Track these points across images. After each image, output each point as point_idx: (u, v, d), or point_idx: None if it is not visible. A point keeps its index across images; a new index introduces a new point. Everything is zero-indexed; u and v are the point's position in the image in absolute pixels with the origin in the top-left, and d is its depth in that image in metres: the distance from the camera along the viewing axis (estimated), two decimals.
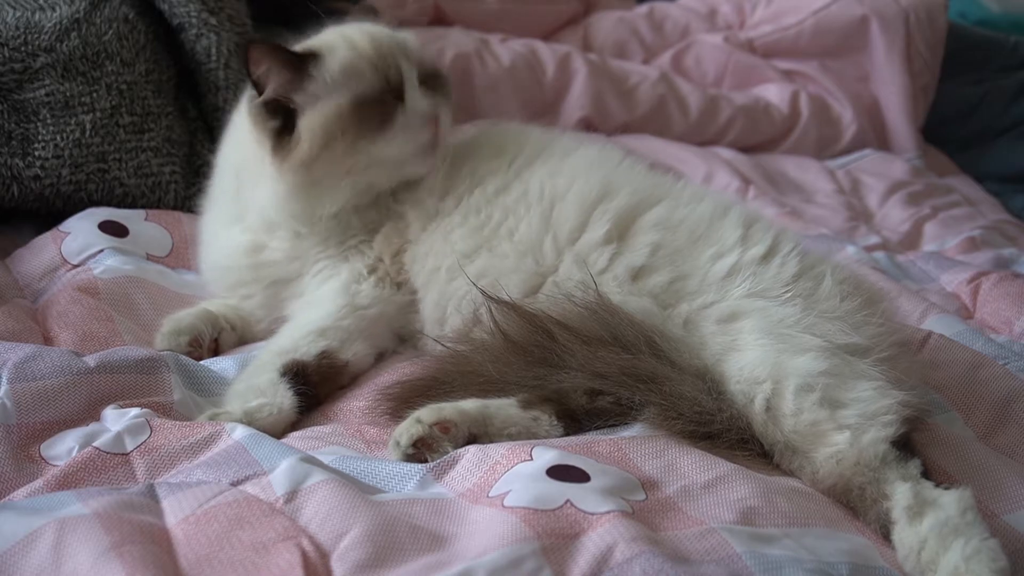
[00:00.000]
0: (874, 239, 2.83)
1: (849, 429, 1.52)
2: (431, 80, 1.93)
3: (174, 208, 2.38)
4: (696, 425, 1.57)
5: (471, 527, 1.36)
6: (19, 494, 1.47)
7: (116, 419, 1.61)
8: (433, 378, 1.68)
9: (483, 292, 1.75)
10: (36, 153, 2.29)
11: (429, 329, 1.88)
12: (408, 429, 1.57)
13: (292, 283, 1.96)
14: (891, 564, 1.41)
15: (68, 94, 2.34)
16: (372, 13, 2.09)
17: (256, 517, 1.36)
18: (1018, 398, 1.80)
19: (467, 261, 1.85)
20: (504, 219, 1.87)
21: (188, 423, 1.64)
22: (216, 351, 1.94)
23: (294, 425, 1.73)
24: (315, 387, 1.77)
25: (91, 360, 1.69)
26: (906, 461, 1.50)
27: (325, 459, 1.53)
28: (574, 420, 1.62)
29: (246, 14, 2.65)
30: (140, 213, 2.24)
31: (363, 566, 1.29)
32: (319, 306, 1.88)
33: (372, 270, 1.92)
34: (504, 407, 1.61)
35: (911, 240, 2.93)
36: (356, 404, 1.77)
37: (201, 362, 1.85)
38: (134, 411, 1.62)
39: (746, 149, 3.35)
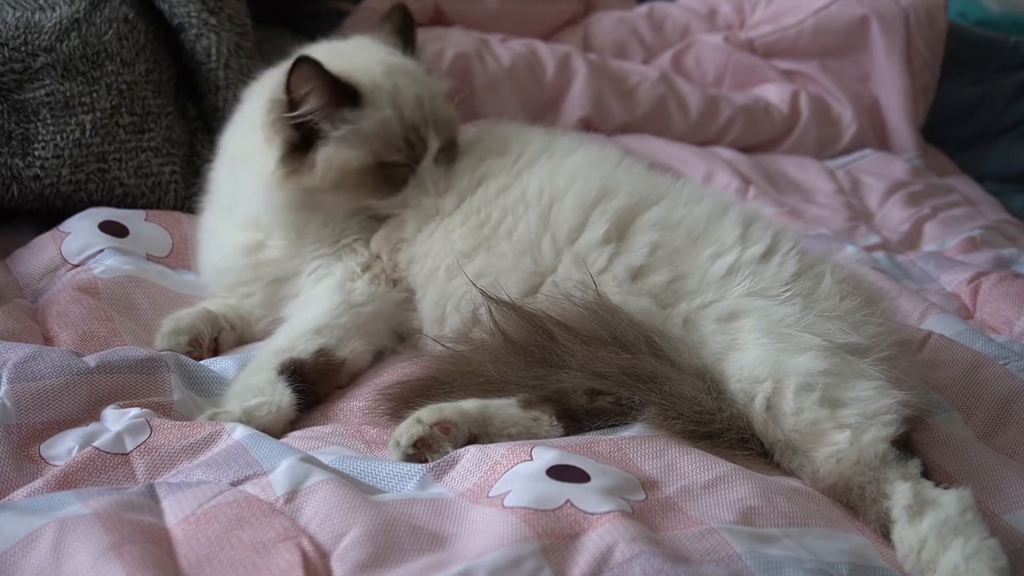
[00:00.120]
0: (874, 239, 2.83)
1: (849, 428, 1.52)
2: (446, 148, 1.96)
3: (174, 208, 2.38)
4: (696, 425, 1.57)
5: (471, 527, 1.36)
6: (19, 494, 1.47)
7: (116, 419, 1.61)
8: (433, 378, 1.69)
9: (482, 292, 1.75)
10: (36, 153, 2.29)
11: (428, 329, 1.88)
12: (408, 429, 1.57)
13: (291, 281, 1.96)
14: (891, 564, 1.41)
15: (68, 94, 2.34)
16: (406, 26, 2.08)
17: (256, 517, 1.36)
18: (1018, 398, 1.80)
19: (466, 261, 1.85)
20: (503, 218, 1.87)
21: (188, 423, 1.64)
22: (216, 351, 1.94)
23: (294, 425, 1.73)
24: (313, 385, 1.77)
25: (91, 360, 1.69)
26: (906, 461, 1.51)
27: (325, 459, 1.53)
28: (574, 420, 1.62)
29: (246, 14, 2.65)
30: (140, 213, 2.24)
31: (363, 566, 1.29)
32: (315, 305, 1.88)
33: (366, 268, 1.92)
34: (504, 407, 1.61)
35: (911, 240, 2.93)
36: (356, 404, 1.77)
37: (201, 362, 1.86)
38: (134, 411, 1.62)
39: (746, 149, 3.34)
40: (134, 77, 2.43)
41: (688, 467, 1.51)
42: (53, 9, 2.38)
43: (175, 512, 1.38)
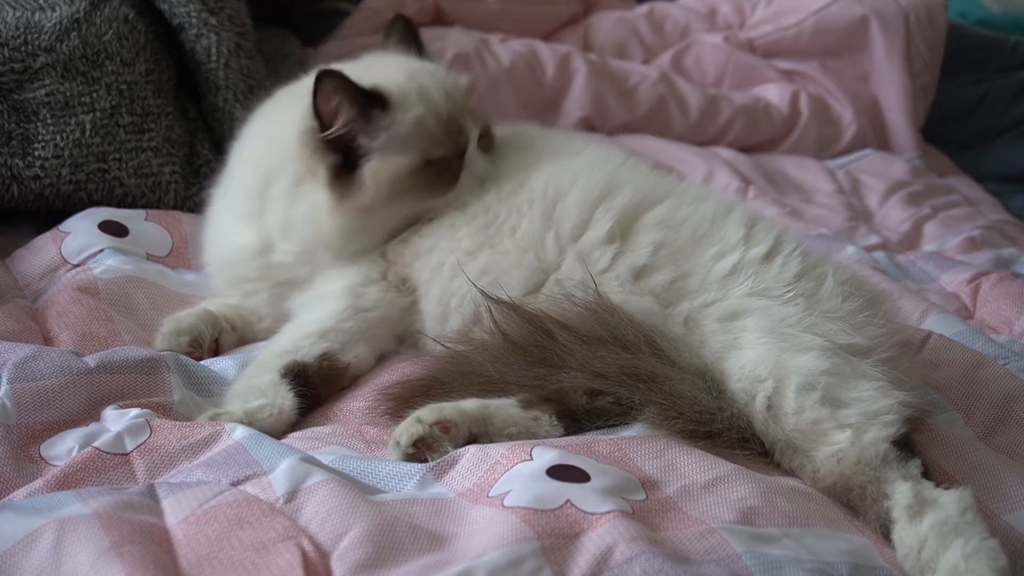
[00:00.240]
0: (874, 239, 2.83)
1: (850, 428, 1.52)
2: (484, 136, 1.96)
3: (174, 208, 2.38)
4: (696, 424, 1.57)
5: (471, 527, 1.36)
6: (19, 494, 1.47)
7: (116, 419, 1.61)
8: (433, 378, 1.68)
9: (482, 292, 1.75)
10: (36, 153, 2.29)
11: (430, 328, 1.88)
12: (408, 429, 1.57)
13: (299, 285, 1.95)
14: (891, 564, 1.41)
15: (68, 94, 2.33)
16: (410, 34, 2.08)
17: (256, 517, 1.36)
18: (1018, 398, 1.80)
19: (470, 259, 1.85)
20: (508, 216, 1.87)
21: (188, 423, 1.64)
22: (216, 351, 1.94)
23: (294, 425, 1.72)
24: (316, 389, 1.77)
25: (91, 360, 1.69)
26: (906, 461, 1.51)
27: (325, 459, 1.53)
28: (574, 420, 1.62)
29: (246, 14, 2.65)
30: (140, 213, 2.24)
31: (363, 566, 1.29)
32: (322, 307, 1.88)
33: (383, 275, 1.92)
34: (504, 407, 1.61)
35: (911, 240, 2.93)
36: (356, 404, 1.77)
37: (201, 362, 1.85)
38: (134, 411, 1.62)
39: (746, 149, 3.35)
40: (134, 77, 2.43)
41: (688, 467, 1.51)
42: (53, 9, 2.38)
43: (175, 512, 1.38)
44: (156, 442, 1.57)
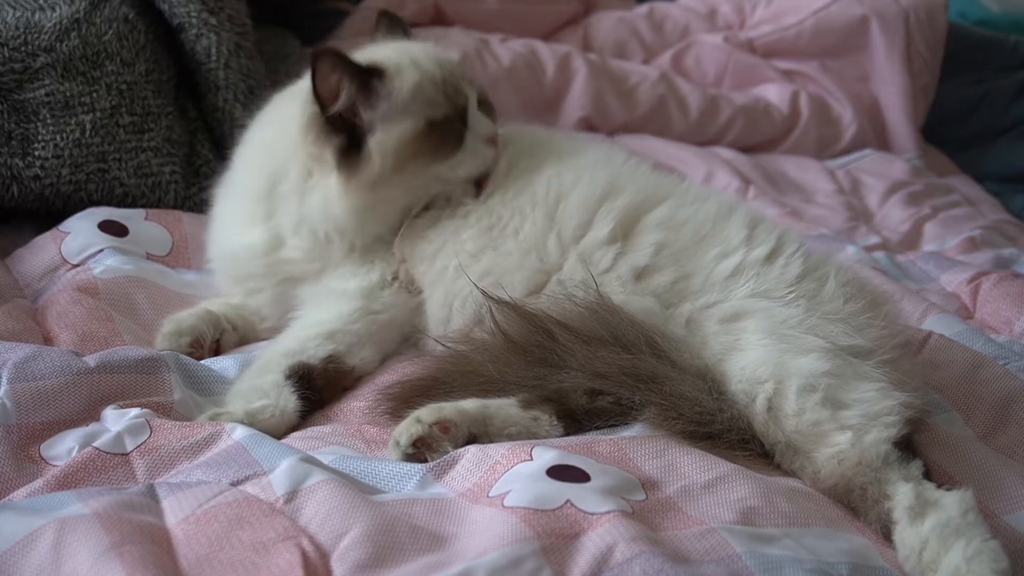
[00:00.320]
0: (874, 239, 2.83)
1: (851, 429, 1.52)
2: (483, 103, 1.96)
3: (174, 208, 2.38)
4: (696, 425, 1.57)
5: (471, 527, 1.36)
6: (19, 494, 1.47)
7: (116, 419, 1.61)
8: (433, 378, 1.68)
9: (484, 292, 1.75)
10: (36, 153, 2.29)
11: (433, 328, 1.88)
12: (408, 429, 1.57)
13: (305, 283, 1.94)
14: (891, 564, 1.41)
15: (68, 94, 2.33)
16: (397, 26, 2.09)
17: (256, 517, 1.36)
18: (1018, 398, 1.80)
19: (473, 260, 1.84)
20: (511, 218, 1.87)
21: (188, 423, 1.64)
22: (217, 352, 1.93)
23: (294, 426, 1.72)
24: (320, 391, 1.76)
25: (91, 360, 1.69)
26: (908, 462, 1.50)
27: (325, 459, 1.53)
28: (574, 420, 1.62)
29: (246, 14, 2.65)
30: (140, 213, 2.24)
31: (363, 566, 1.29)
32: (331, 307, 1.86)
33: (395, 276, 1.91)
34: (504, 407, 1.61)
35: (911, 240, 2.93)
36: (356, 404, 1.77)
37: (201, 361, 1.85)
38: (134, 411, 1.62)
39: (746, 149, 3.35)
40: (134, 77, 2.43)
41: (688, 467, 1.51)
42: (53, 9, 2.38)
43: (175, 512, 1.38)
44: (156, 442, 1.57)
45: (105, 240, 2.11)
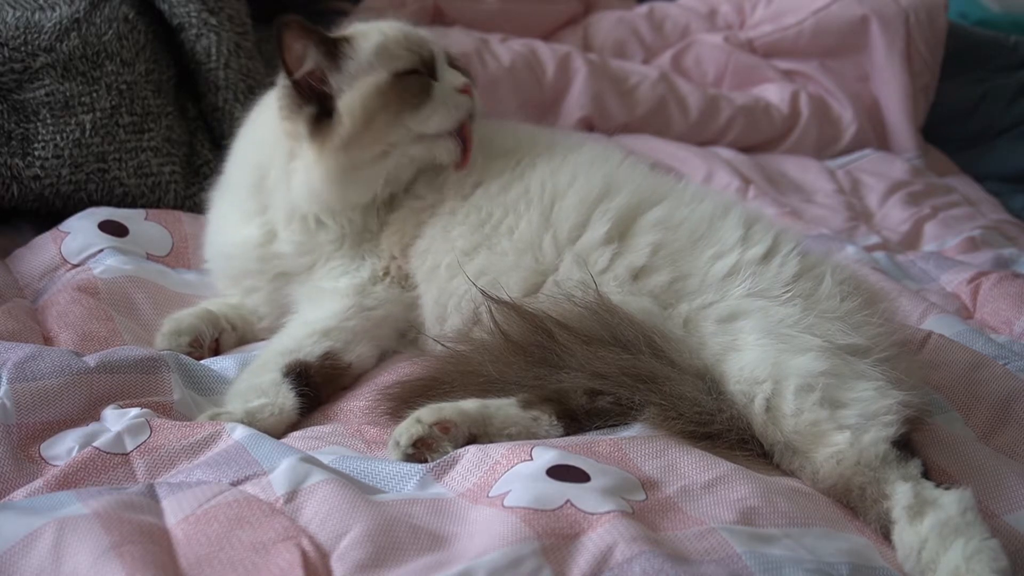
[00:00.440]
0: (874, 239, 2.83)
1: (849, 429, 1.52)
2: (455, 67, 1.96)
3: (174, 208, 2.38)
4: (696, 425, 1.57)
5: (471, 527, 1.36)
6: (19, 494, 1.47)
7: (116, 419, 1.61)
8: (433, 378, 1.68)
9: (483, 292, 1.75)
10: (36, 153, 2.29)
11: (429, 328, 1.88)
12: (408, 429, 1.57)
13: (298, 278, 1.95)
14: (891, 564, 1.41)
15: (68, 94, 2.34)
16: None
17: (256, 517, 1.36)
18: (1018, 398, 1.80)
19: (467, 259, 1.85)
20: (504, 216, 1.87)
21: (188, 423, 1.64)
22: (217, 351, 1.94)
23: (294, 425, 1.72)
24: (317, 388, 1.76)
25: (91, 360, 1.69)
26: (906, 461, 1.50)
27: (325, 459, 1.53)
28: (574, 420, 1.62)
29: (246, 14, 2.66)
30: (140, 213, 2.24)
31: (363, 566, 1.29)
32: (325, 305, 1.87)
33: (386, 272, 1.92)
34: (504, 407, 1.61)
35: (911, 240, 2.94)
36: (356, 404, 1.77)
37: (201, 361, 1.85)
38: (134, 411, 1.62)
39: (746, 149, 3.35)
40: (134, 77, 2.43)
41: (688, 467, 1.51)
42: (53, 9, 2.38)
43: (175, 512, 1.38)
44: (156, 442, 1.57)
45: (105, 240, 2.11)
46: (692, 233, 1.78)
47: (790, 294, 1.68)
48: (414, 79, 1.89)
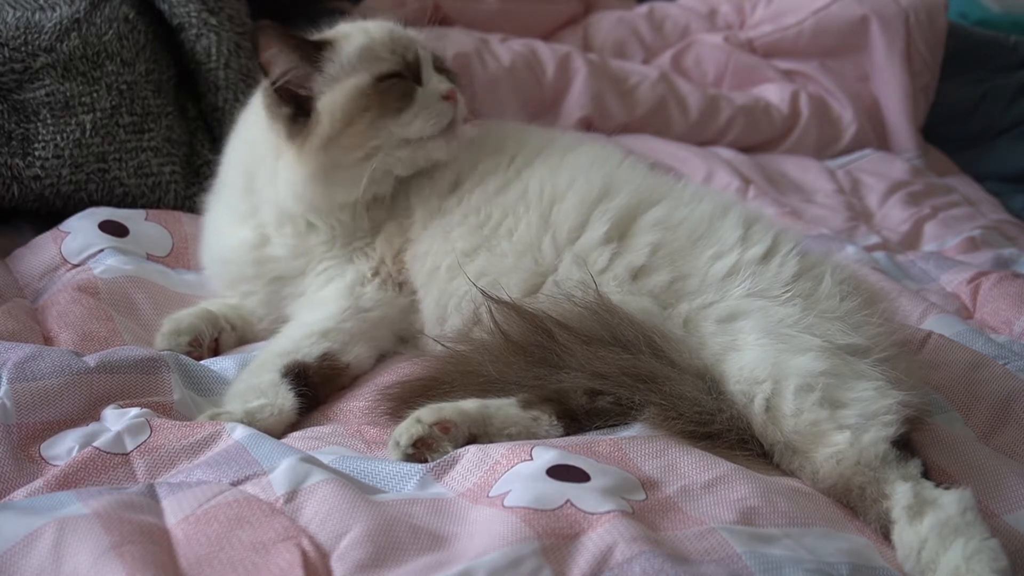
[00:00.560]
0: (874, 239, 2.83)
1: (849, 429, 1.52)
2: (442, 71, 1.96)
3: (174, 208, 2.38)
4: (696, 425, 1.57)
5: (471, 527, 1.36)
6: (19, 494, 1.47)
7: (116, 419, 1.61)
8: (433, 378, 1.68)
9: (483, 292, 1.75)
10: (36, 153, 2.29)
11: (429, 328, 1.88)
12: (408, 429, 1.57)
13: (294, 281, 1.96)
14: (891, 564, 1.41)
15: (68, 94, 2.34)
16: None
17: (256, 517, 1.36)
18: (1018, 398, 1.80)
19: (467, 260, 1.85)
20: (504, 218, 1.87)
21: (188, 423, 1.64)
22: (216, 351, 1.94)
23: (294, 425, 1.73)
24: (316, 388, 1.77)
25: (91, 360, 1.69)
26: (906, 461, 1.50)
27: (325, 459, 1.53)
28: (574, 420, 1.62)
29: (246, 14, 2.65)
30: (140, 213, 2.24)
31: (363, 566, 1.29)
32: (322, 307, 1.88)
33: (376, 272, 1.92)
34: (504, 407, 1.61)
35: (911, 240, 2.94)
36: (356, 404, 1.77)
37: (201, 362, 1.85)
38: (134, 411, 1.62)
39: (746, 149, 3.35)
40: (134, 77, 2.43)
41: (688, 467, 1.51)
42: (53, 9, 2.38)
43: (175, 512, 1.38)
44: (156, 442, 1.57)
45: (105, 240, 2.12)
46: (692, 233, 1.78)
47: (790, 294, 1.68)
48: (397, 83, 1.88)
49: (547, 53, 3.31)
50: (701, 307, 1.70)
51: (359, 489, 1.44)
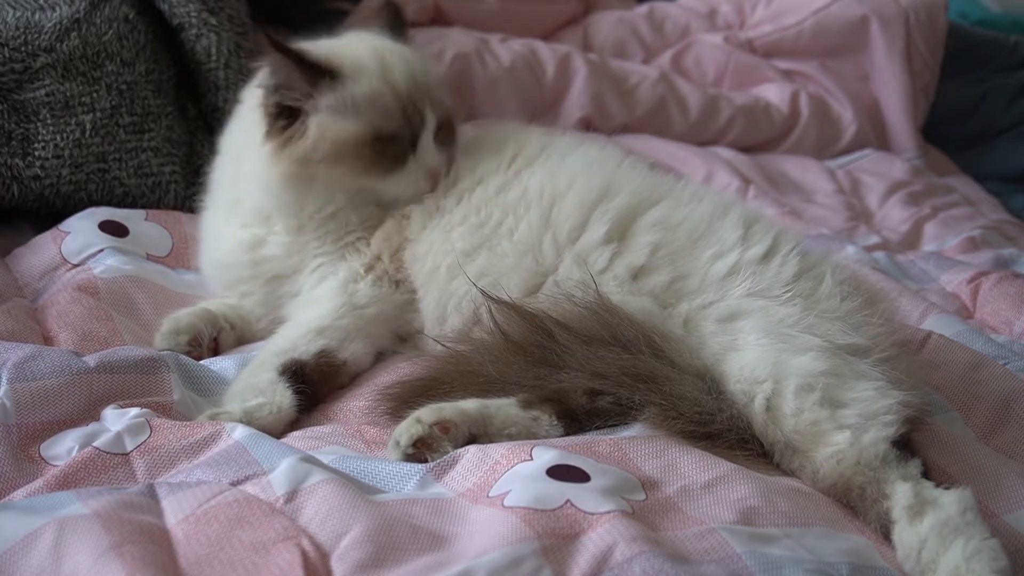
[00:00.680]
0: (874, 239, 2.83)
1: (850, 429, 1.52)
2: (443, 129, 1.95)
3: (174, 208, 2.38)
4: (696, 425, 1.57)
5: (471, 527, 1.36)
6: (19, 494, 1.47)
7: (116, 419, 1.61)
8: (433, 378, 1.69)
9: (483, 292, 1.75)
10: (36, 153, 2.29)
11: (429, 328, 1.88)
12: (408, 429, 1.57)
13: (291, 279, 1.96)
14: (891, 564, 1.41)
15: (68, 94, 2.34)
16: (397, 22, 2.08)
17: (256, 517, 1.36)
18: (1018, 398, 1.80)
19: (467, 260, 1.85)
20: (504, 218, 1.87)
21: (188, 423, 1.64)
22: (216, 350, 1.94)
23: (294, 425, 1.73)
24: (314, 386, 1.77)
25: (91, 360, 1.69)
26: (906, 461, 1.50)
27: (325, 459, 1.53)
28: (574, 420, 1.62)
29: (246, 14, 2.66)
30: (140, 213, 2.24)
31: (363, 566, 1.29)
32: (317, 305, 1.88)
33: (369, 268, 1.92)
34: (504, 407, 1.61)
35: (911, 240, 2.93)
36: (356, 404, 1.77)
37: (201, 362, 1.86)
38: (134, 411, 1.62)
39: (746, 149, 3.35)
40: (134, 77, 2.43)
41: (688, 467, 1.51)
42: (53, 9, 2.38)
43: (175, 512, 1.38)
44: (156, 442, 1.57)
45: (105, 240, 2.12)
46: (691, 233, 1.79)
47: (790, 294, 1.68)
48: (394, 147, 1.89)
49: (547, 53, 3.31)
50: (701, 307, 1.70)
51: (359, 489, 1.44)
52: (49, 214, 2.30)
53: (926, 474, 1.51)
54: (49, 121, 2.31)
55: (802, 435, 1.55)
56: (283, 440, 1.64)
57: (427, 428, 1.56)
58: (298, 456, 1.49)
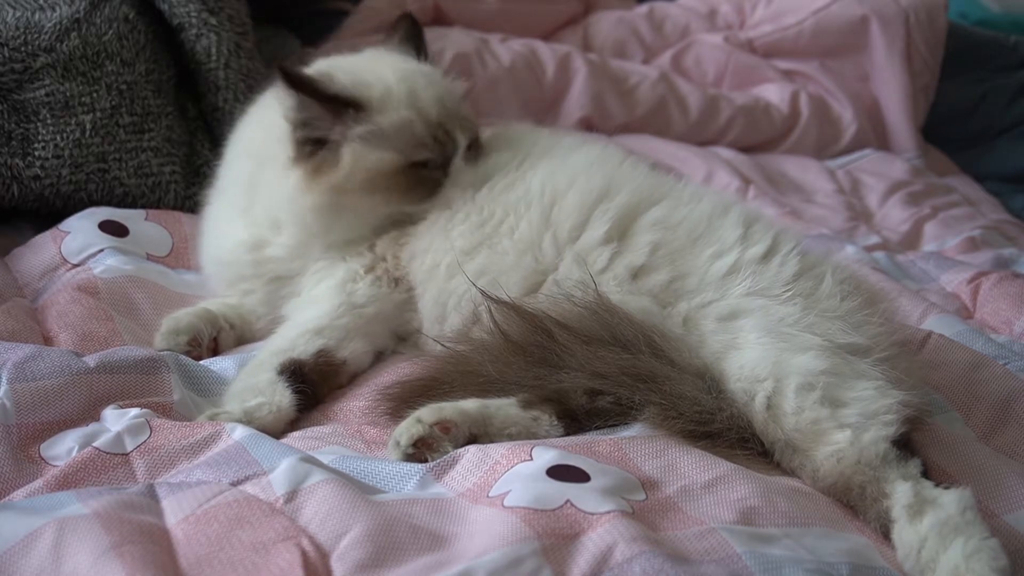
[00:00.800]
0: (874, 239, 2.83)
1: (850, 428, 1.52)
2: (472, 146, 1.96)
3: (174, 208, 2.39)
4: (696, 424, 1.57)
5: (471, 527, 1.36)
6: (19, 494, 1.47)
7: (116, 419, 1.61)
8: (433, 378, 1.68)
9: (482, 292, 1.75)
10: (36, 153, 2.29)
11: (428, 328, 1.88)
12: (408, 429, 1.57)
13: (293, 280, 1.96)
14: (891, 564, 1.41)
15: (68, 94, 2.34)
16: (414, 34, 2.08)
17: (256, 517, 1.36)
18: (1018, 398, 1.80)
19: (467, 259, 1.85)
20: (505, 217, 1.87)
21: (188, 423, 1.64)
22: (215, 350, 1.94)
23: (293, 425, 1.73)
24: (313, 386, 1.77)
25: (91, 360, 1.69)
26: (906, 460, 1.51)
27: (325, 459, 1.53)
28: (574, 420, 1.62)
29: (246, 14, 2.65)
30: (140, 213, 2.24)
31: (363, 566, 1.29)
32: (316, 305, 1.88)
33: (369, 269, 1.92)
34: (504, 407, 1.61)
35: (911, 240, 2.93)
36: (356, 404, 1.77)
37: (200, 362, 1.86)
38: (134, 411, 1.62)
39: (746, 149, 3.35)
40: (134, 77, 2.43)
41: (688, 467, 1.51)
42: (53, 9, 2.38)
43: (175, 512, 1.38)
44: (156, 442, 1.57)
45: (105, 240, 2.12)
46: (691, 232, 1.79)
47: (790, 293, 1.68)
48: (428, 174, 1.91)
49: (547, 53, 3.31)
50: (701, 306, 1.70)
51: (359, 489, 1.44)
52: (49, 214, 2.30)
53: (926, 474, 1.51)
54: (49, 121, 2.31)
55: (802, 434, 1.55)
56: (283, 440, 1.64)
57: (427, 428, 1.56)
58: (298, 456, 1.49)
